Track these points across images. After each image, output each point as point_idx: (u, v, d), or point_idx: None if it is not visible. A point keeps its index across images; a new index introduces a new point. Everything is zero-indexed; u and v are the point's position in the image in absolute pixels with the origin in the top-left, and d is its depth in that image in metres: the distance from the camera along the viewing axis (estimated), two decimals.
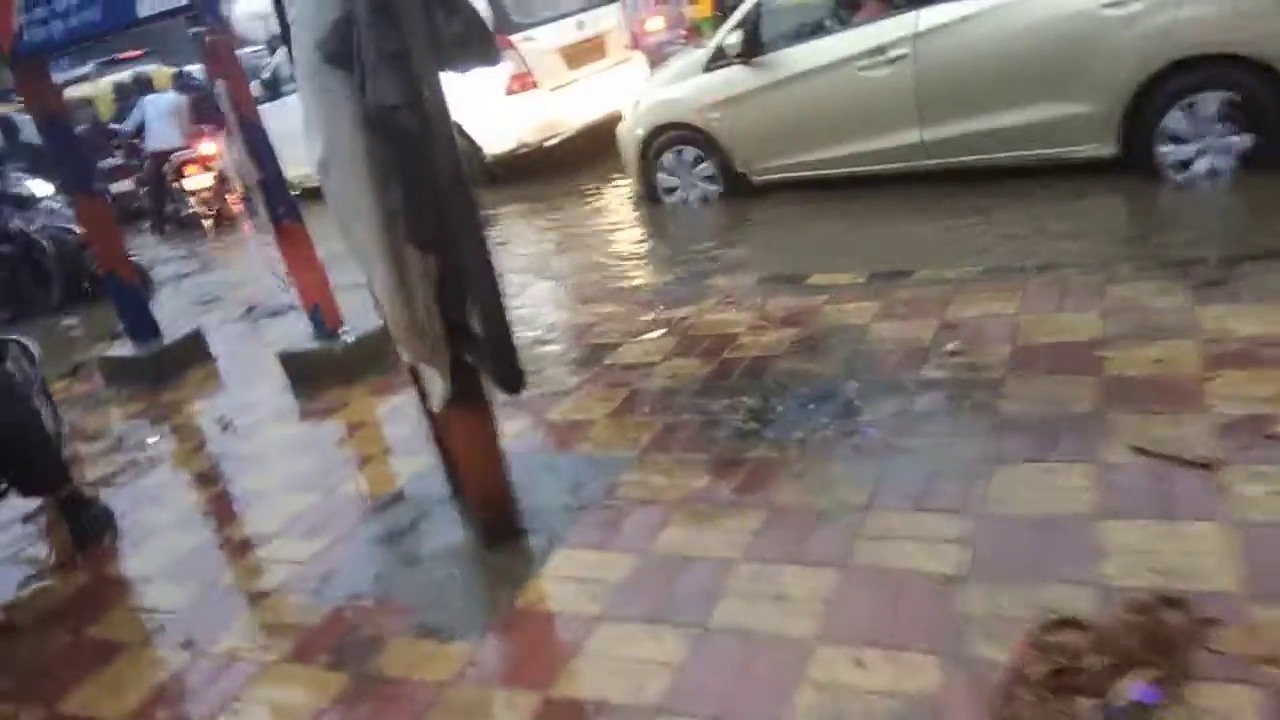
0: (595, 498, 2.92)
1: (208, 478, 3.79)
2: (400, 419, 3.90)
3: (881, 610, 2.14)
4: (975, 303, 3.69)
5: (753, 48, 5.69)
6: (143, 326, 5.15)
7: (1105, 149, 4.77)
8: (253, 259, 7.49)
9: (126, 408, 4.84)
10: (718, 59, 5.93)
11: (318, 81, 2.19)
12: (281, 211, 4.32)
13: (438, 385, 2.45)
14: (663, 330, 4.22)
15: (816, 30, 5.60)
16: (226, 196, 9.96)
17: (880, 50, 5.19)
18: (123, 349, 5.19)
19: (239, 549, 3.16)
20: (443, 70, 1.97)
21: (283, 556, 3.03)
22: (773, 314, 4.13)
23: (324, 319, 4.53)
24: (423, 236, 2.01)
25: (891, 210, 5.38)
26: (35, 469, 3.29)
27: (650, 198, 6.65)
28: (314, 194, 6.56)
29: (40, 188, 8.17)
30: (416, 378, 2.76)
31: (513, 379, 2.22)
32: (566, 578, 2.57)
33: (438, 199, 1.94)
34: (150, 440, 4.31)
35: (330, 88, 2.16)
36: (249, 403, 4.48)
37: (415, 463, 3.43)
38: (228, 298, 6.63)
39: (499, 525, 2.80)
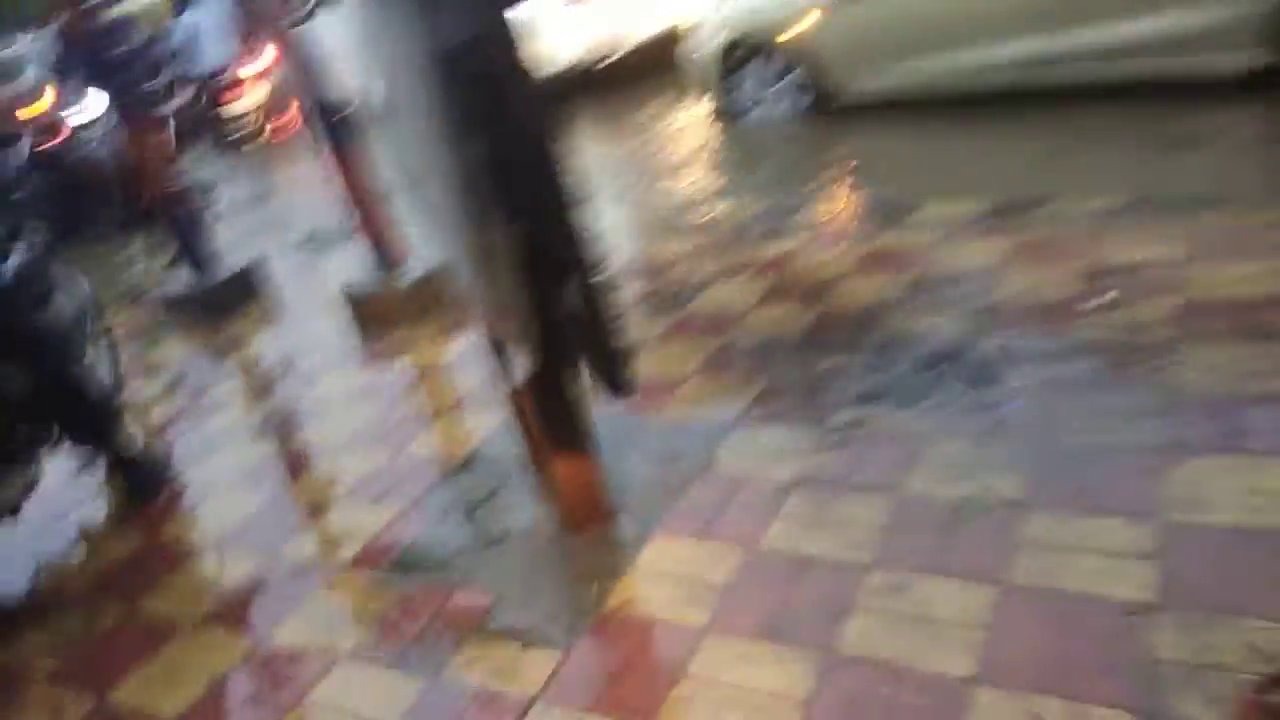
0: (691, 473, 2.58)
1: (269, 428, 3.56)
2: (469, 365, 3.59)
3: (1054, 645, 1.77)
4: (1129, 243, 3.18)
5: None
6: (201, 256, 4.91)
7: (1256, 60, 4.10)
8: (311, 181, 7.19)
9: (185, 343, 4.64)
10: None
11: (377, 11, 1.78)
12: (337, 136, 3.97)
13: (521, 362, 2.10)
14: (753, 270, 3.81)
15: None
16: (282, 113, 9.61)
17: None
18: (181, 280, 4.96)
19: (304, 515, 2.92)
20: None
21: (351, 526, 2.77)
22: (882, 252, 3.68)
23: (386, 253, 4.21)
24: (507, 201, 1.63)
25: (1008, 129, 4.78)
26: (85, 420, 3.08)
27: (729, 116, 6.12)
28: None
29: (100, 103, 7.89)
30: (497, 346, 2.43)
31: (618, 377, 1.85)
32: (663, 574, 2.25)
33: (522, 156, 1.55)
34: (208, 382, 4.09)
35: (391, 20, 1.75)
36: (310, 341, 4.23)
37: (488, 419, 3.12)
38: (286, 223, 6.36)
39: (585, 509, 2.48)
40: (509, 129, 1.56)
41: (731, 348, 3.24)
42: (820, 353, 3.04)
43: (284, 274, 5.14)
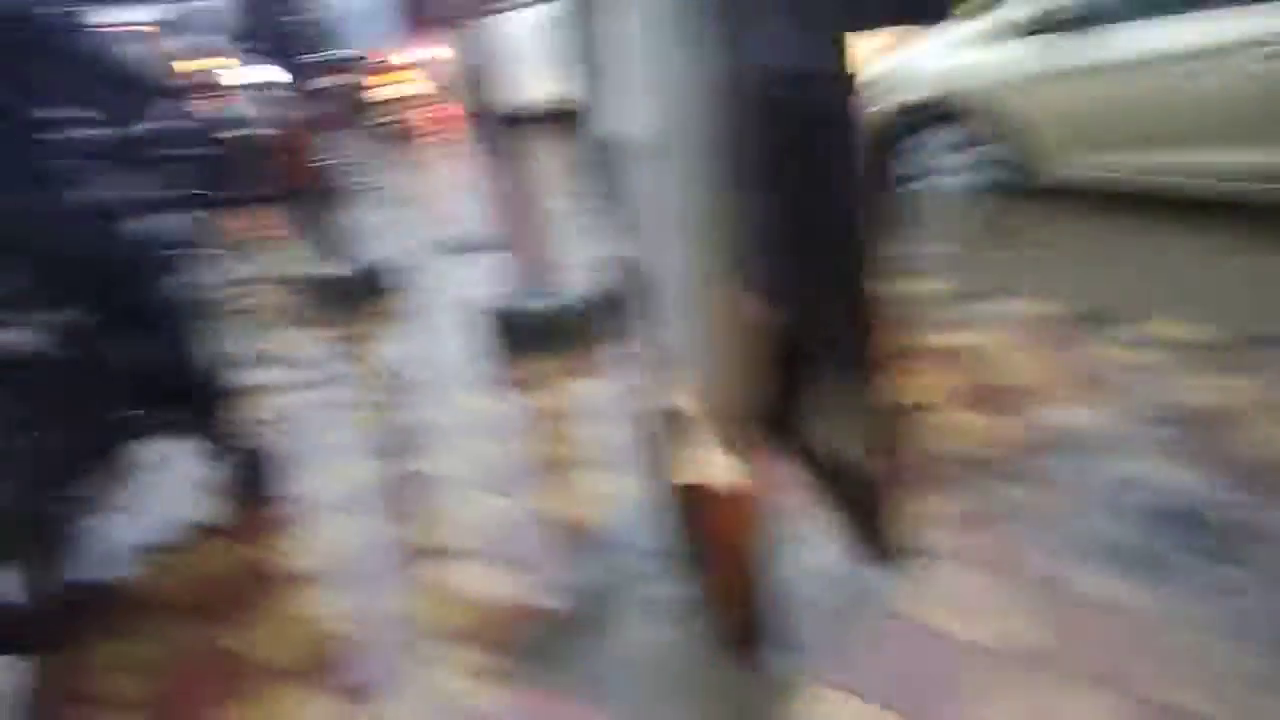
0: (862, 611, 2.19)
1: (386, 446, 3.30)
2: (606, 415, 3.28)
3: None
4: None
5: (1089, 18, 4.60)
6: (338, 243, 4.75)
7: None
8: (461, 183, 7.06)
9: (313, 334, 4.47)
10: (1035, 27, 4.86)
11: (670, 20, 1.43)
12: (501, 140, 3.71)
13: (716, 466, 1.76)
14: (933, 365, 3.38)
15: (1176, 6, 4.44)
16: (436, 107, 9.55)
17: (1260, 43, 4.02)
18: (318, 268, 4.82)
19: (411, 561, 2.63)
20: (860, 26, 1.20)
21: (462, 588, 2.46)
22: (1090, 368, 3.21)
23: (535, 274, 3.94)
24: (777, 283, 1.29)
25: (1242, 245, 4.22)
26: (194, 409, 2.86)
27: (902, 183, 5.70)
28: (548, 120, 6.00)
29: (270, 73, 7.94)
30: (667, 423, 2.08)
31: (888, 537, 1.47)
32: None
33: (821, 227, 1.21)
34: (329, 382, 3.87)
35: (689, 34, 1.39)
36: (440, 355, 3.99)
37: (625, 486, 2.79)
38: (430, 223, 6.21)
39: (735, 634, 2.11)
40: (818, 190, 1.20)
41: (917, 456, 2.83)
42: (1019, 483, 2.60)
43: (421, 277, 4.95)
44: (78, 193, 2.57)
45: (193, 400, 2.88)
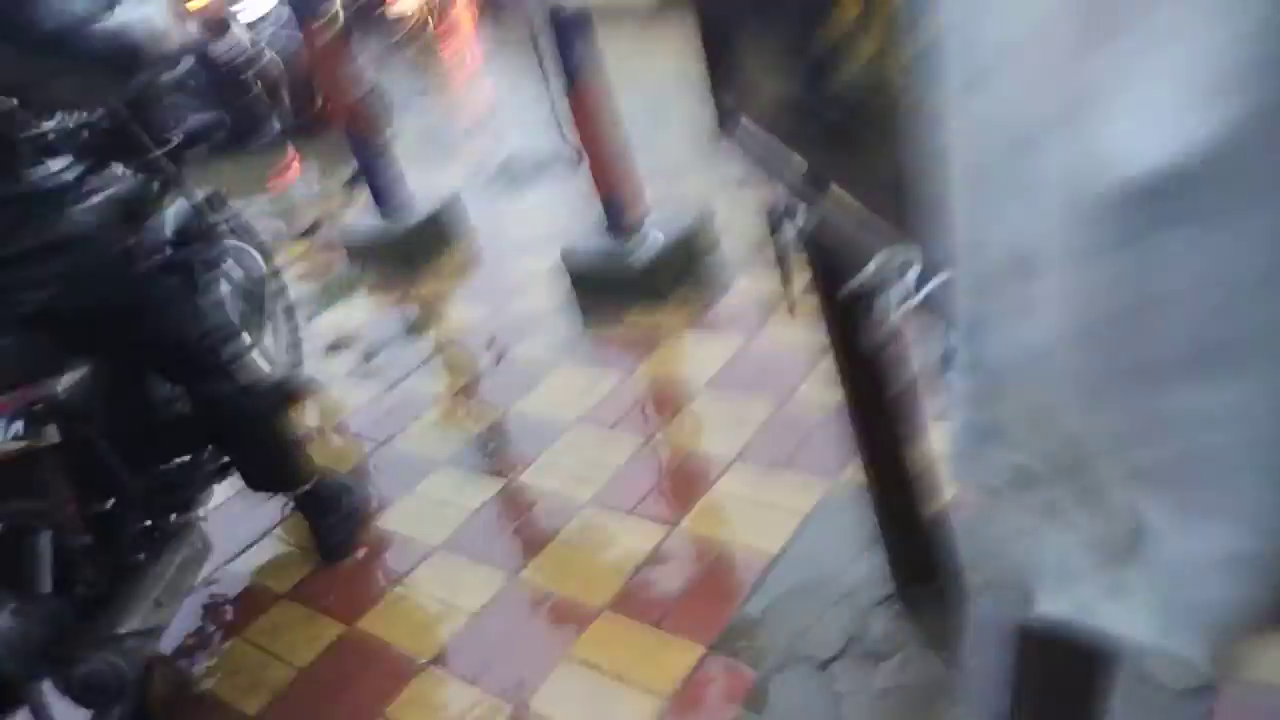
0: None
1: (485, 453, 2.72)
2: (745, 380, 2.66)
3: None
4: None
5: None
6: (383, 185, 4.06)
7: None
8: (494, 92, 6.25)
9: (373, 299, 3.86)
10: None
11: None
12: (580, 63, 2.97)
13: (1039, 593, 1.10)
14: None
15: None
16: (451, 8, 8.57)
17: None
18: (362, 217, 4.16)
19: (554, 619, 2.08)
20: None
21: (635, 664, 1.91)
22: None
23: (621, 212, 3.24)
24: None
25: None
26: (264, 459, 2.30)
27: None
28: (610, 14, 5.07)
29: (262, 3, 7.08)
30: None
31: None
32: None
33: None
34: (402, 368, 3.27)
35: None
36: (521, 316, 3.36)
37: (797, 491, 2.19)
38: (472, 143, 5.45)
39: None
40: None
41: None
42: None
43: (481, 212, 4.24)
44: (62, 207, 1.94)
45: (248, 433, 2.31)
